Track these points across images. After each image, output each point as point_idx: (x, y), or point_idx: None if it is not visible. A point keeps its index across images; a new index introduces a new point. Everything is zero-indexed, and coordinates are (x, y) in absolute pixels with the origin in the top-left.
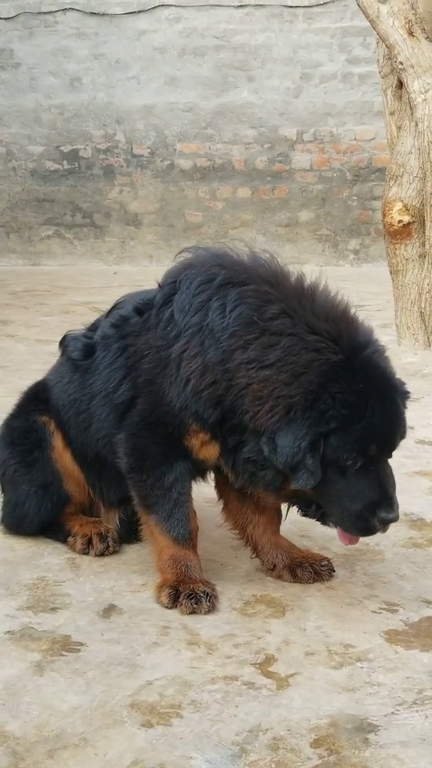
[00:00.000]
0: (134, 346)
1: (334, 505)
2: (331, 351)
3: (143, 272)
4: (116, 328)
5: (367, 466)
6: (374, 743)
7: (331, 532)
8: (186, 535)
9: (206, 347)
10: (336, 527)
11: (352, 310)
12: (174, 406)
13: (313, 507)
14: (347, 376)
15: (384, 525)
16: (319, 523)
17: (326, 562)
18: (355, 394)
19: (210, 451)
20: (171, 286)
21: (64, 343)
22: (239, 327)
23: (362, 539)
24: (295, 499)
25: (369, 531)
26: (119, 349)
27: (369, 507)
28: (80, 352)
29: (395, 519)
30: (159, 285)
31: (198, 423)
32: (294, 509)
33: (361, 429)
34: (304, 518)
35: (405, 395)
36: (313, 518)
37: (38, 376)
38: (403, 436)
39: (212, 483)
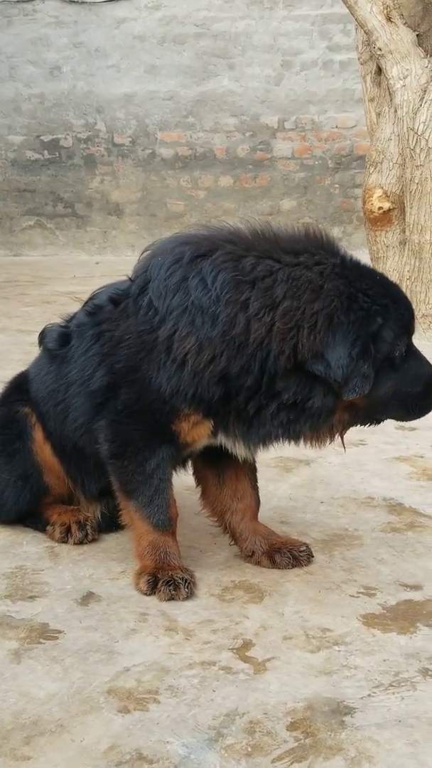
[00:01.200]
0: (111, 332)
1: (393, 400)
2: (329, 257)
3: (125, 262)
4: (91, 316)
5: (408, 348)
6: (350, 725)
7: (311, 518)
8: (166, 522)
9: (198, 325)
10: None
11: (311, 228)
12: (164, 392)
13: (374, 417)
14: (360, 272)
15: None
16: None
17: (305, 548)
18: (379, 285)
19: (200, 431)
20: (143, 276)
21: (42, 336)
22: (230, 293)
23: (341, 524)
24: (351, 420)
25: None
26: (94, 337)
27: (430, 380)
28: (56, 342)
29: None
30: (131, 279)
31: (193, 405)
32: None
33: (401, 312)
34: (282, 504)
35: None
36: (379, 422)
37: (19, 367)
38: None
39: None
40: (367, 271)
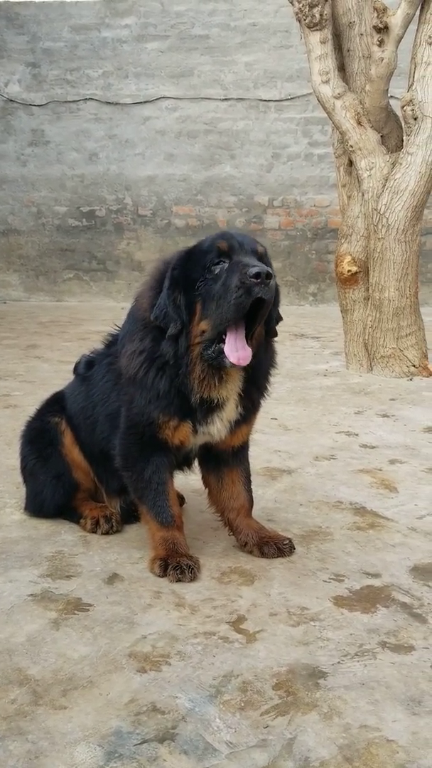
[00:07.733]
0: (115, 365)
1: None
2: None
3: None
4: (106, 347)
5: None
6: (323, 687)
7: (292, 517)
8: (169, 519)
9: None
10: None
11: None
12: (141, 404)
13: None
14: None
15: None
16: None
17: (288, 541)
18: None
19: (183, 433)
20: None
21: (76, 365)
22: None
23: (316, 522)
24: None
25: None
26: (107, 365)
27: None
28: (83, 367)
29: None
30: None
31: (161, 408)
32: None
33: None
34: (269, 505)
35: None
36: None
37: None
38: None
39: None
40: None
